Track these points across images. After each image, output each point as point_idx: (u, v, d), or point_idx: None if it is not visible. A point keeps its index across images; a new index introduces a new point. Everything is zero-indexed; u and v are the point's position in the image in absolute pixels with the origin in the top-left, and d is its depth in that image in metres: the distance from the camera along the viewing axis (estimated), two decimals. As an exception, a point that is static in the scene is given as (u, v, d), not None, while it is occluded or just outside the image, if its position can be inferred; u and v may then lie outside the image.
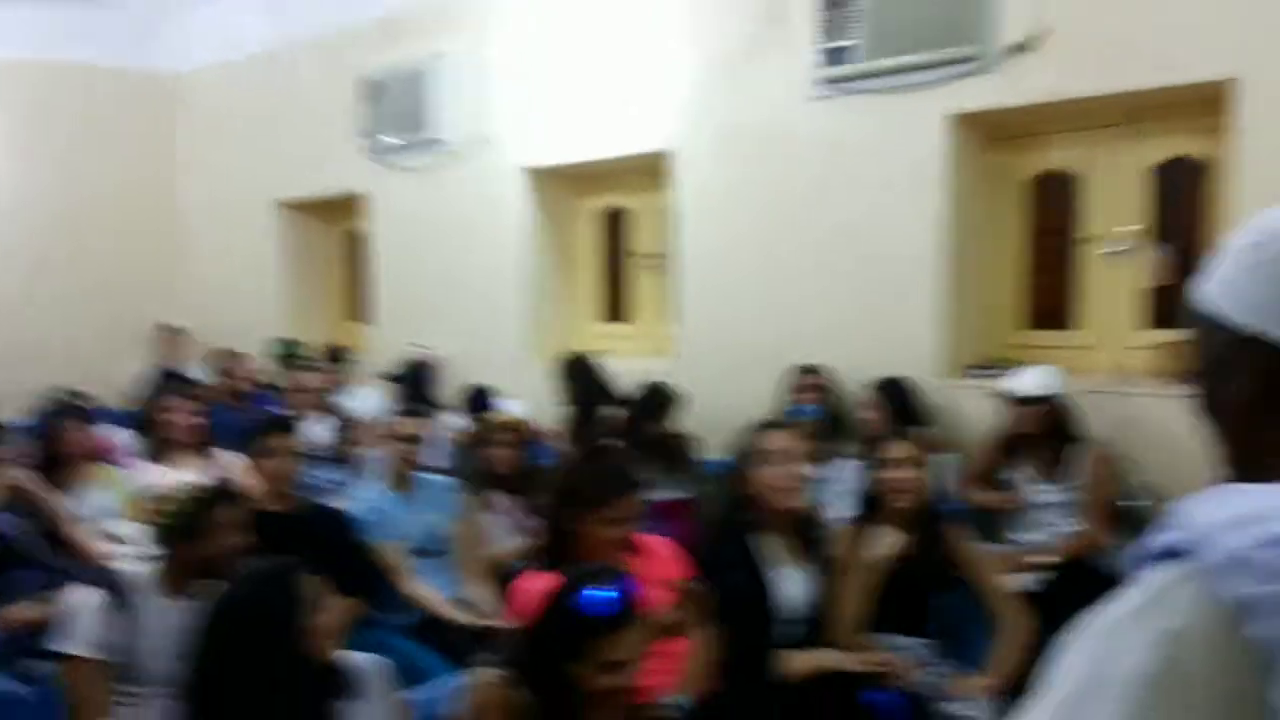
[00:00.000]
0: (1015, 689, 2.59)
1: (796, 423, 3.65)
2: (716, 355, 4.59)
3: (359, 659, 2.13)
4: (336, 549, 3.30)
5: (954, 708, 2.59)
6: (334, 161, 6.22)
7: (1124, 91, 3.44)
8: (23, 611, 2.88)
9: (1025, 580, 3.22)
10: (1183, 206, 3.69)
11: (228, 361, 5.64)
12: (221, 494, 2.58)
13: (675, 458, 4.08)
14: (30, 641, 2.69)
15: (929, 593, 2.86)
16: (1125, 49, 3.39)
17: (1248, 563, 0.70)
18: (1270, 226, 0.79)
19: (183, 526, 2.46)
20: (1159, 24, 3.33)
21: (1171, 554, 0.75)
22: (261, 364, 6.14)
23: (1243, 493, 0.76)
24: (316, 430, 4.59)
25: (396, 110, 5.73)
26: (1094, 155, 3.86)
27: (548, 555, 2.47)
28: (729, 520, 2.65)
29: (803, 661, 2.50)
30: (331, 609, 1.95)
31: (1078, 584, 3.17)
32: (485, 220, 5.49)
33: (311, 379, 4.89)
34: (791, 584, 2.62)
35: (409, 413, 3.86)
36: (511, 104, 5.31)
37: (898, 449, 2.84)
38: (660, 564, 2.61)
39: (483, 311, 5.55)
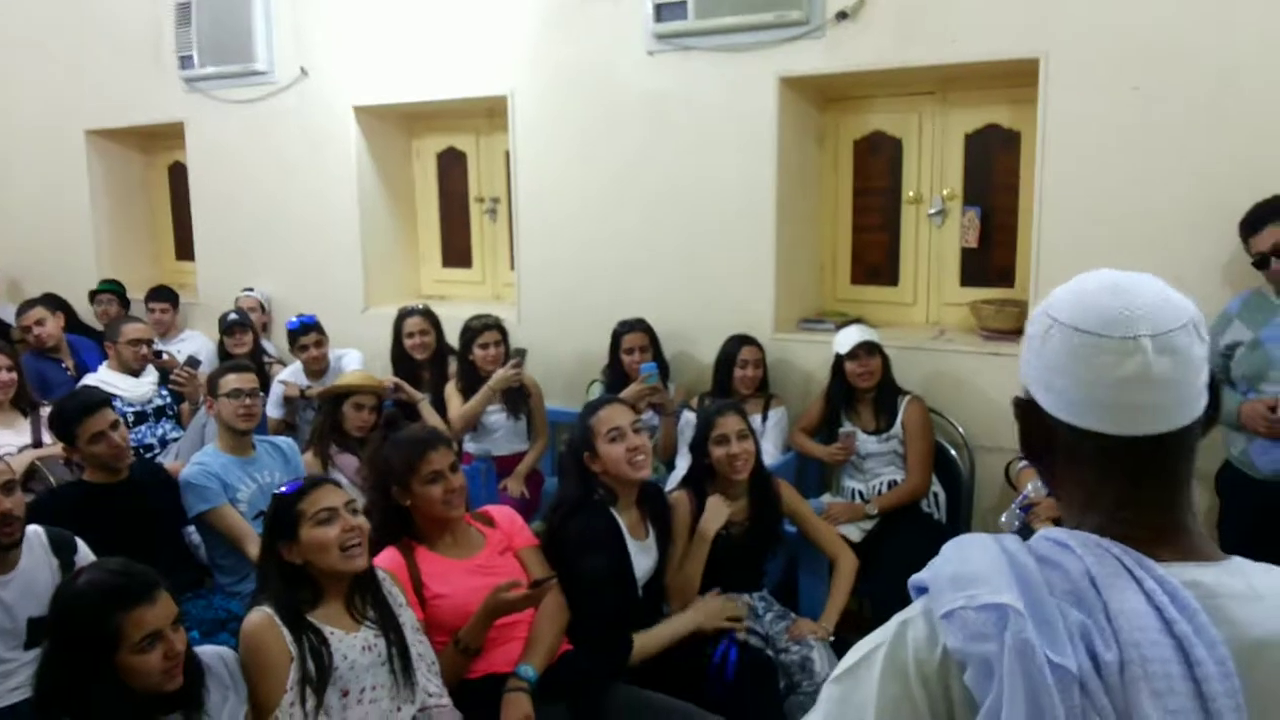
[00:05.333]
0: (844, 629, 2.84)
1: (641, 390, 3.79)
2: (554, 304, 4.63)
3: (207, 654, 2.14)
4: (172, 519, 3.25)
5: (794, 650, 2.79)
6: (148, 89, 5.80)
7: (941, 63, 3.62)
8: None
9: (854, 528, 3.48)
10: (993, 171, 3.95)
11: (23, 315, 5.17)
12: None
13: (516, 403, 4.13)
14: None
15: (764, 552, 3.04)
16: (943, 24, 3.56)
17: (961, 620, 0.82)
18: (1041, 307, 0.94)
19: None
20: (974, 2, 3.50)
21: (925, 589, 0.89)
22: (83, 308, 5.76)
23: (978, 549, 0.88)
24: (143, 384, 4.38)
25: (216, 37, 5.40)
26: (914, 120, 4.06)
27: (389, 531, 2.52)
28: (582, 496, 2.71)
29: (657, 638, 2.61)
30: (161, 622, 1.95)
31: (900, 529, 3.45)
32: (313, 159, 5.28)
33: (137, 328, 4.63)
34: (639, 557, 2.72)
35: (240, 367, 3.67)
36: (340, 39, 5.08)
37: (730, 422, 2.93)
38: (508, 533, 2.70)
39: (315, 255, 5.38)
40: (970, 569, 0.85)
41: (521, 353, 4.06)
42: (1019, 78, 3.56)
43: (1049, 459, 0.94)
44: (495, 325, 4.16)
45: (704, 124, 4.12)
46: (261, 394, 3.60)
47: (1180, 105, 3.20)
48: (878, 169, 4.20)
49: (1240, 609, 0.81)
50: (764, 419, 3.80)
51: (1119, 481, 0.88)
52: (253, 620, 2.18)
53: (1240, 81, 3.11)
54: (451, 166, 5.37)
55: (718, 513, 2.85)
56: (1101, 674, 0.77)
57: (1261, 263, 2.81)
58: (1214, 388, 0.91)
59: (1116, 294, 0.88)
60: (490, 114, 4.83)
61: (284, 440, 3.63)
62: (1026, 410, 0.94)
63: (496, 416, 4.12)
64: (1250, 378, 2.83)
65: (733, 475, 2.91)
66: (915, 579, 0.91)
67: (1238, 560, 0.87)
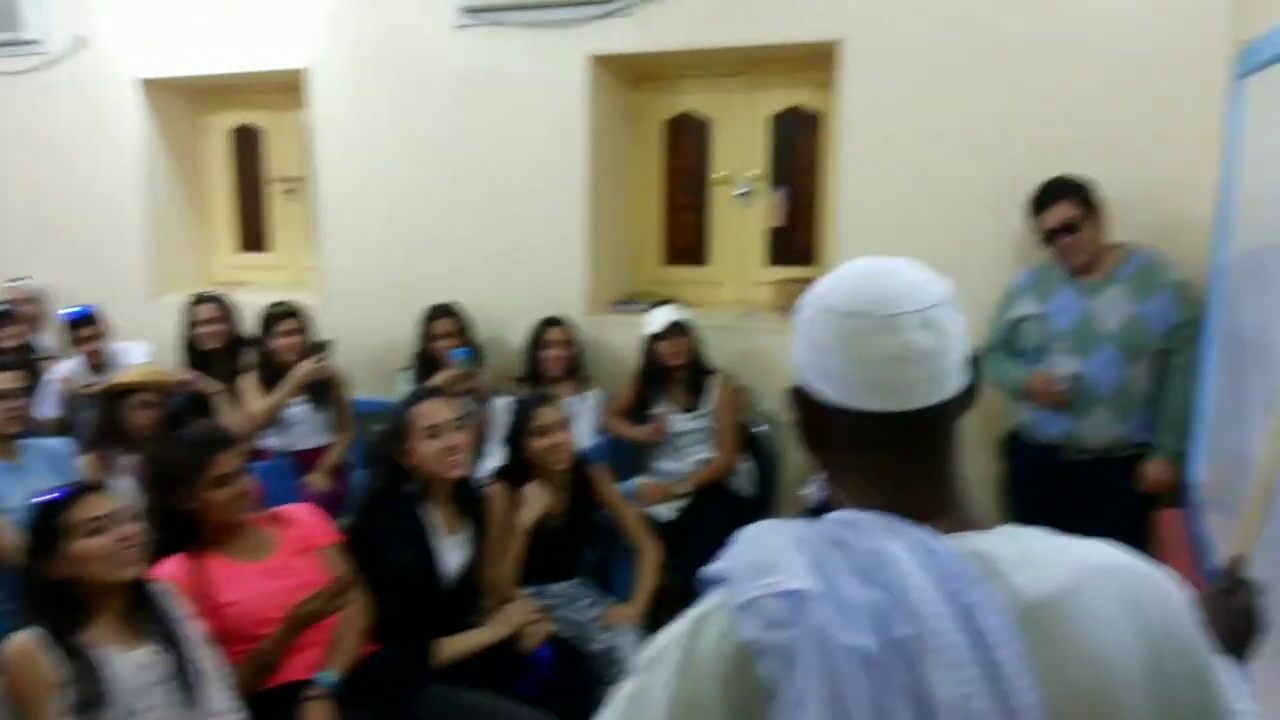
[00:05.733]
0: (654, 614, 2.84)
1: (454, 377, 3.68)
2: (360, 290, 4.44)
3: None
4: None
5: (603, 639, 2.77)
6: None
7: (746, 45, 3.66)
8: None
9: (667, 508, 3.50)
10: (797, 153, 4.03)
11: None
12: None
13: (321, 395, 3.94)
14: None
15: (581, 542, 3.00)
16: (749, 5, 3.60)
17: (758, 609, 0.82)
18: (806, 298, 0.95)
19: None
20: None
21: (720, 581, 0.88)
22: None
23: (769, 537, 0.88)
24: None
25: (-24, 2, 4.89)
26: (722, 101, 4.11)
27: (173, 538, 2.34)
28: (390, 492, 2.60)
29: (460, 647, 2.52)
30: None
31: (711, 506, 3.49)
32: (94, 135, 4.86)
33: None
34: (450, 553, 2.63)
35: (6, 365, 3.35)
36: (124, 6, 4.69)
37: (550, 413, 2.87)
38: (306, 531, 2.56)
39: (97, 241, 4.95)
40: (765, 557, 0.85)
41: (325, 345, 3.87)
42: (821, 61, 3.64)
43: (826, 446, 0.95)
44: (295, 313, 3.95)
45: (514, 102, 4.03)
46: (27, 394, 3.27)
47: (972, 89, 3.35)
48: (687, 149, 4.23)
49: (1016, 574, 0.83)
50: (578, 401, 3.77)
51: (895, 459, 0.90)
52: (13, 645, 1.97)
53: (1028, 67, 3.27)
54: (246, 145, 5.06)
55: (535, 503, 2.78)
56: (894, 652, 0.78)
57: (1048, 239, 2.95)
58: (975, 363, 0.94)
59: (876, 277, 0.91)
60: (287, 89, 4.57)
61: (56, 444, 3.32)
62: (800, 400, 0.96)
63: (299, 409, 3.91)
64: (1037, 349, 2.99)
65: (555, 466, 2.85)
66: (709, 571, 0.89)
67: (1008, 528, 0.90)
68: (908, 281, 0.90)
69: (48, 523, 2.05)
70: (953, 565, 0.82)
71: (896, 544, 0.84)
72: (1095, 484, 2.93)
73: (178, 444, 2.44)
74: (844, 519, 0.88)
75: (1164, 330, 2.84)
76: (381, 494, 2.62)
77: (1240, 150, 2.49)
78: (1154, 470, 2.89)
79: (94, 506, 2.07)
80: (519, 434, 2.89)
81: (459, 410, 2.68)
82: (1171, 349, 2.86)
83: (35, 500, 2.12)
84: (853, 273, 0.93)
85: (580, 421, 3.66)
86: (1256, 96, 2.33)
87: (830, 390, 0.91)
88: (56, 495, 2.10)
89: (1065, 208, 2.90)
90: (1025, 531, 0.90)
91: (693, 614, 0.88)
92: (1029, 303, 3.03)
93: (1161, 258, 2.91)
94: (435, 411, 2.60)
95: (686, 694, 0.83)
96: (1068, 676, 0.81)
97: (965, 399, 0.92)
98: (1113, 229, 2.97)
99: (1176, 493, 2.89)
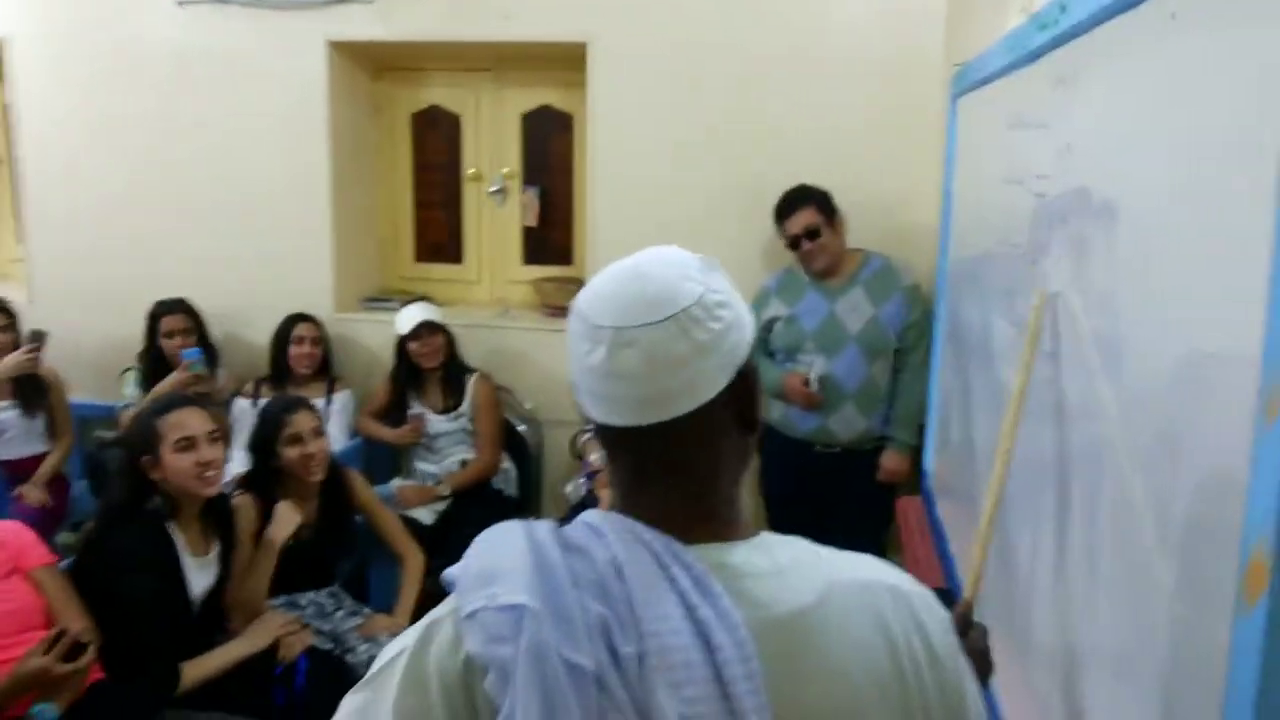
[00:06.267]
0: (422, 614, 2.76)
1: (186, 379, 3.43)
2: (74, 282, 4.07)
3: None
4: None
5: (363, 649, 2.66)
6: None
7: (495, 40, 3.63)
8: None
9: (428, 511, 3.42)
10: (550, 152, 4.05)
11: None
12: None
13: (33, 398, 3.56)
14: None
15: (335, 551, 2.87)
16: (496, 1, 3.57)
17: (482, 622, 0.79)
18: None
19: None
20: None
21: (454, 586, 0.85)
22: None
23: (505, 543, 0.85)
24: None
25: None
26: (472, 97, 4.05)
27: None
28: (132, 508, 2.37)
29: (206, 667, 2.35)
30: None
31: (473, 507, 3.44)
32: None
33: None
34: (198, 575, 2.44)
35: None
36: None
37: (303, 420, 2.72)
38: (12, 552, 2.29)
39: None
40: (493, 564, 0.82)
41: (41, 335, 3.48)
42: (570, 61, 3.67)
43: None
44: (2, 308, 3.54)
45: (246, 86, 3.81)
46: None
47: (713, 96, 3.48)
48: (436, 144, 4.14)
49: (763, 587, 0.82)
50: (328, 403, 3.62)
51: (630, 469, 0.89)
52: None
53: (771, 74, 3.43)
54: (-70, 119, 4.48)
55: (288, 521, 2.61)
56: (620, 668, 0.75)
57: (793, 244, 3.11)
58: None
59: (619, 278, 0.87)
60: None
61: None
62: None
63: (8, 414, 3.51)
64: (788, 349, 3.15)
65: (308, 477, 2.70)
66: (447, 574, 0.85)
67: (765, 536, 0.88)
68: (642, 292, 0.84)
69: None
70: (694, 579, 0.80)
71: (636, 553, 0.81)
72: (842, 475, 3.12)
73: None
74: (591, 522, 0.86)
75: (898, 330, 3.08)
76: (122, 510, 2.37)
77: (956, 164, 2.74)
78: (890, 461, 3.12)
79: None
80: (268, 441, 2.71)
81: (214, 421, 2.47)
82: (905, 348, 3.09)
83: None
84: (608, 273, 0.89)
85: (331, 423, 3.51)
86: (966, 115, 2.58)
87: (578, 394, 0.89)
88: None
89: (807, 215, 3.07)
90: (784, 541, 0.88)
91: (425, 621, 0.85)
92: (778, 304, 3.18)
93: (894, 263, 3.15)
94: (189, 422, 2.39)
95: (411, 706, 0.80)
96: (809, 693, 0.80)
97: (717, 411, 0.85)
98: (850, 235, 3.17)
99: (913, 481, 3.14)
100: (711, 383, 0.85)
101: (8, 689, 2.03)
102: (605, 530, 0.84)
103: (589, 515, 0.87)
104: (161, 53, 3.84)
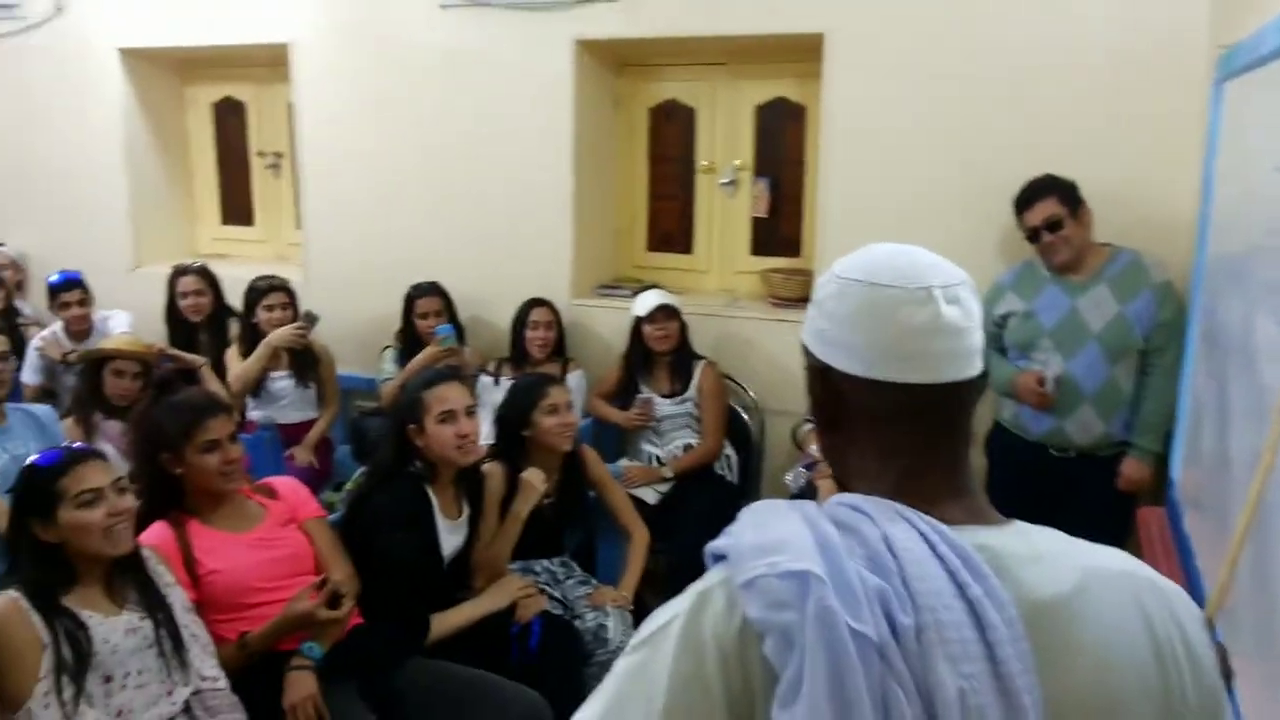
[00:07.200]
0: (639, 597, 2.88)
1: (437, 354, 3.70)
2: (344, 266, 4.44)
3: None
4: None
5: (590, 618, 2.79)
6: None
7: (732, 35, 3.69)
8: None
9: (651, 491, 3.53)
10: (782, 144, 4.07)
11: None
12: None
13: (306, 370, 3.96)
14: None
15: (568, 521, 3.02)
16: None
17: (761, 589, 0.80)
18: (828, 274, 0.95)
19: None
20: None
21: (723, 557, 0.87)
22: None
23: (775, 517, 0.87)
24: None
25: (-48, -36, 4.83)
26: (708, 90, 4.13)
27: (157, 503, 2.35)
28: (396, 471, 2.60)
29: (452, 621, 2.55)
30: None
31: (695, 491, 3.53)
32: (72, 105, 4.82)
33: None
34: (449, 536, 2.64)
35: None
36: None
37: (559, 393, 2.88)
38: (292, 505, 2.57)
39: (77, 210, 4.92)
40: (771, 536, 0.84)
41: (312, 318, 3.87)
42: (806, 53, 3.67)
43: (843, 426, 0.95)
44: (283, 287, 3.95)
45: (500, 83, 4.04)
46: (14, 358, 3.27)
47: (957, 84, 3.39)
48: (672, 137, 4.25)
49: (1024, 571, 0.82)
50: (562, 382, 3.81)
51: (917, 436, 0.90)
52: None
53: (1012, 66, 3.31)
54: (229, 117, 5.04)
55: (534, 490, 2.76)
56: (899, 640, 0.76)
57: (1033, 236, 2.98)
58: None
59: (901, 255, 0.93)
60: (271, 63, 4.55)
61: (41, 408, 3.31)
62: (819, 376, 0.95)
63: (284, 383, 3.92)
64: (1022, 346, 3.03)
65: (562, 446, 2.87)
66: (712, 546, 0.88)
67: (1019, 523, 0.89)
68: (930, 261, 0.92)
69: (40, 486, 2.04)
70: (961, 558, 0.81)
71: (903, 531, 0.83)
72: (1077, 481, 2.98)
73: (168, 408, 2.43)
74: (851, 502, 0.87)
75: (1146, 330, 2.88)
76: (387, 472, 2.62)
77: (1220, 153, 2.54)
78: (1132, 469, 2.94)
79: (89, 477, 2.05)
80: (524, 412, 2.88)
81: (472, 396, 2.68)
82: (1153, 348, 2.90)
83: (30, 461, 2.12)
84: (876, 251, 0.94)
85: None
86: (1235, 100, 2.39)
87: (855, 364, 0.90)
88: (51, 459, 2.10)
89: (1049, 205, 2.93)
90: (1037, 529, 0.88)
91: (695, 589, 0.87)
92: (1013, 299, 3.06)
93: (1144, 258, 2.95)
94: (450, 395, 2.60)
95: (687, 670, 0.82)
96: (1072, 678, 0.79)
97: (982, 383, 0.92)
98: (1097, 229, 3.01)
99: (1156, 491, 2.94)
100: (980, 351, 0.93)
101: (279, 626, 2.28)
102: (868, 509, 0.85)
103: (844, 497, 0.89)
104: (424, 52, 4.13)
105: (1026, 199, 3.00)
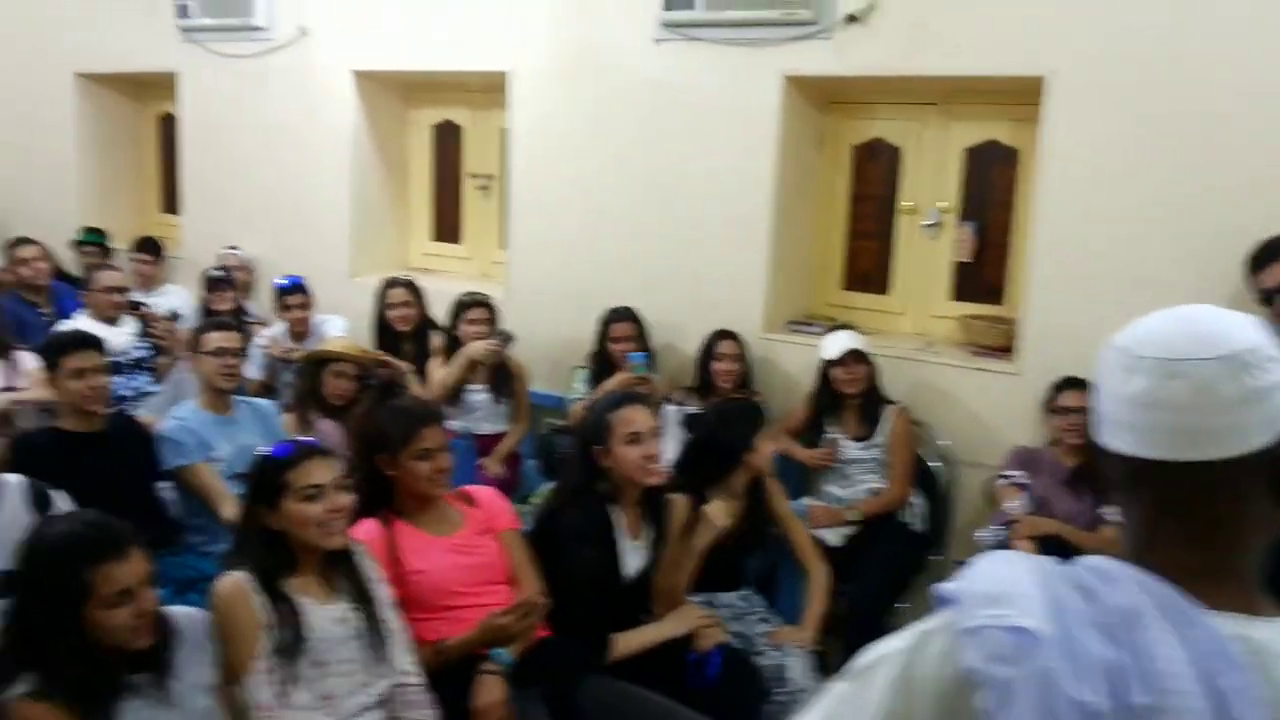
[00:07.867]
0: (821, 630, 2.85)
1: (629, 380, 3.77)
2: (543, 285, 4.60)
3: (177, 614, 2.11)
4: (146, 474, 3.20)
5: (771, 656, 2.78)
6: (141, 35, 5.69)
7: (947, 75, 3.63)
8: None
9: (835, 533, 3.48)
10: (991, 188, 3.96)
11: (18, 249, 5.12)
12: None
13: (502, 384, 4.12)
14: None
15: (747, 553, 3.02)
16: (951, 35, 3.56)
17: (984, 639, 0.79)
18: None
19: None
20: (981, 16, 3.51)
21: (951, 601, 0.86)
22: (63, 254, 5.64)
23: (1016, 568, 0.85)
24: (120, 334, 4.32)
25: (213, -12, 5.32)
26: (915, 130, 4.07)
27: (369, 501, 2.49)
28: (583, 490, 2.68)
29: (634, 642, 2.59)
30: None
31: (880, 537, 3.46)
32: (308, 121, 5.21)
33: (113, 276, 4.55)
34: (632, 555, 2.70)
35: (225, 325, 3.58)
36: (342, 0, 5.03)
37: (642, 418, 2.82)
38: (490, 513, 2.68)
39: (303, 219, 5.31)
40: (1003, 587, 0.82)
41: (508, 337, 4.03)
42: (1022, 95, 3.57)
43: (1115, 491, 0.92)
44: (485, 303, 4.13)
45: (706, 117, 4.10)
46: (243, 354, 3.56)
47: (1185, 134, 3.22)
48: (875, 176, 4.20)
49: None
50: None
51: (1150, 510, 0.87)
52: (225, 584, 2.15)
53: (1245, 115, 3.12)
54: (446, 139, 5.32)
55: (716, 525, 2.77)
56: (1127, 717, 0.74)
57: (1266, 299, 2.80)
58: None
59: (1161, 318, 0.88)
60: (487, 89, 4.79)
61: (264, 403, 3.59)
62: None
63: (480, 396, 4.10)
64: None
65: (765, 473, 2.94)
66: (942, 589, 0.87)
67: None
68: (1195, 330, 0.85)
69: (270, 477, 2.21)
70: (1213, 643, 0.76)
71: (1151, 605, 0.79)
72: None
73: (390, 412, 2.59)
74: (1097, 566, 0.84)
75: None
76: (574, 490, 2.70)
77: None
78: None
79: (314, 473, 2.21)
80: (740, 442, 2.93)
81: (657, 420, 2.74)
82: None
83: (262, 453, 2.30)
84: (1155, 315, 0.89)
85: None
86: None
87: (1100, 430, 0.89)
88: (283, 451, 2.26)
89: None
90: None
91: (917, 629, 0.87)
92: None
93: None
94: (637, 418, 2.67)
95: (897, 709, 0.82)
96: None
97: (1251, 468, 0.82)
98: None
99: None
100: (1252, 435, 0.82)
101: (476, 639, 2.37)
102: (1115, 575, 0.83)
103: (1094, 560, 0.86)
104: (637, 84, 4.25)
105: (1263, 257, 2.82)
